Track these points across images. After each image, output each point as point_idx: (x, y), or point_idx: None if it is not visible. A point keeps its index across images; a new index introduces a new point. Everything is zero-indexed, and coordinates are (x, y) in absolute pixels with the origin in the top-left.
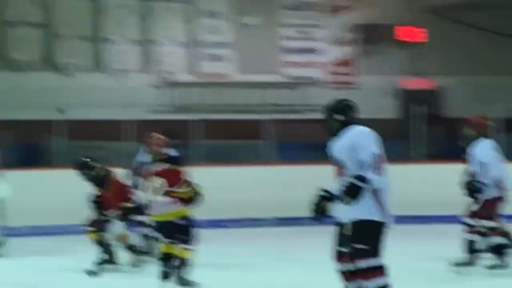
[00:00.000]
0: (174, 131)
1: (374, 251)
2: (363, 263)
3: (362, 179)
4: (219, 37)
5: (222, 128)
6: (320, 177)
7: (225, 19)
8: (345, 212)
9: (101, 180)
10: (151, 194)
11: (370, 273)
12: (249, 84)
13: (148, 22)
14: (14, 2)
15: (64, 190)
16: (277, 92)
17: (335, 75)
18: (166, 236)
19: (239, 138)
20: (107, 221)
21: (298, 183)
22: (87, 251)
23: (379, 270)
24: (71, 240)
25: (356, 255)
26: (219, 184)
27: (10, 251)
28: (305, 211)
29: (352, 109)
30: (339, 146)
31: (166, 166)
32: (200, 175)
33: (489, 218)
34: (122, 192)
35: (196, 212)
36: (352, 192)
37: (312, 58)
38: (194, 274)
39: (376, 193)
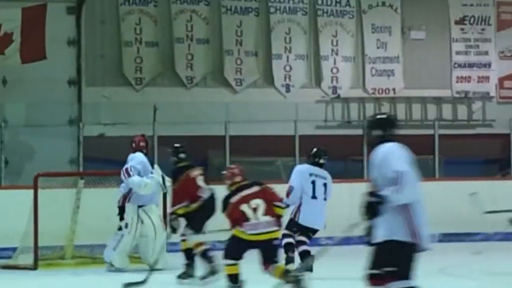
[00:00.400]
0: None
1: (401, 273)
2: (392, 285)
3: (376, 196)
4: (388, 52)
5: None
6: (489, 192)
7: (393, 33)
8: (375, 233)
9: (176, 171)
10: (253, 216)
11: None
12: (417, 99)
13: (316, 37)
14: (182, 20)
15: None
16: (446, 107)
17: (505, 90)
18: (270, 255)
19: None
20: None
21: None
22: None
23: None
24: None
25: (384, 277)
26: None
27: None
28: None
29: (391, 125)
30: (372, 163)
31: (256, 188)
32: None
33: None
34: (189, 188)
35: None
36: (368, 210)
37: (482, 73)
38: None
39: (405, 212)
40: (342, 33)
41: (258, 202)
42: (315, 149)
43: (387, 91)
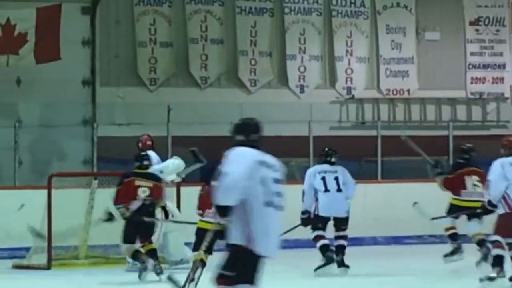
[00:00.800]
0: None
1: (242, 278)
2: None
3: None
4: (402, 53)
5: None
6: None
7: (408, 34)
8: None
9: (126, 174)
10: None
11: None
12: (432, 100)
13: (331, 38)
14: (197, 20)
15: None
16: (460, 108)
17: None
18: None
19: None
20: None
21: None
22: None
23: None
24: None
25: (228, 279)
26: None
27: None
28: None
29: (253, 130)
30: None
31: None
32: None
33: None
34: (127, 194)
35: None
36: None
37: (497, 74)
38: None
39: (241, 216)
40: (356, 33)
41: None
42: (326, 149)
43: (401, 92)
